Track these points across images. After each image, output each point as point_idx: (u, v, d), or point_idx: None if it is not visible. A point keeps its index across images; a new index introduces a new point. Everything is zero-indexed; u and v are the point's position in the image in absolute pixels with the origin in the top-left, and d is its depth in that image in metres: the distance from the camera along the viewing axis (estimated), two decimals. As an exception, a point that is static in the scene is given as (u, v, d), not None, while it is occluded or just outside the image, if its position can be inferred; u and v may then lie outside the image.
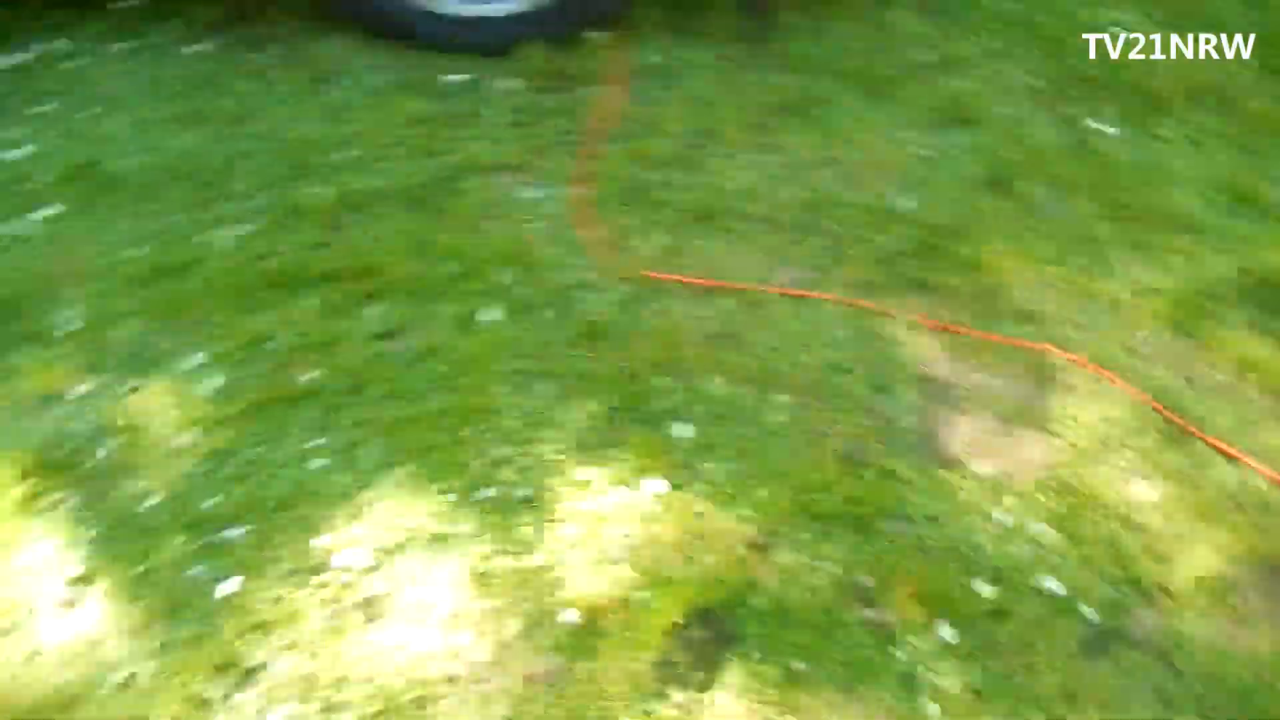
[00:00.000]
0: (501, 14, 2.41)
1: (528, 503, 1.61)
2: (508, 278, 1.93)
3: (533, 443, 1.68)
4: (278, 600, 1.50)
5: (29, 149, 2.32)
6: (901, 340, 1.84)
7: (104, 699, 1.41)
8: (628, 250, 1.98)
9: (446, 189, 2.12)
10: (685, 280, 1.91)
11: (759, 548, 1.56)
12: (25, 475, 1.67)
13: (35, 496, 1.65)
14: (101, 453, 1.71)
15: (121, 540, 1.58)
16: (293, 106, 2.37)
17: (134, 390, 1.81)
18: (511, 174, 2.16)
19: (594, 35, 2.41)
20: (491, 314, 1.88)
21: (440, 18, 2.42)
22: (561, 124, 2.26)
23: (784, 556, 1.54)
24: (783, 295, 1.89)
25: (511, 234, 2.01)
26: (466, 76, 2.41)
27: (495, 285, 1.92)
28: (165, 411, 1.76)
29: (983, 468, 1.67)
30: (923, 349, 1.83)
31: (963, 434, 1.72)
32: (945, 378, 1.80)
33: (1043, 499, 1.62)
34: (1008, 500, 1.62)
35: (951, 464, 1.67)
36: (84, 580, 1.54)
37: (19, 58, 2.57)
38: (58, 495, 1.65)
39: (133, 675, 1.43)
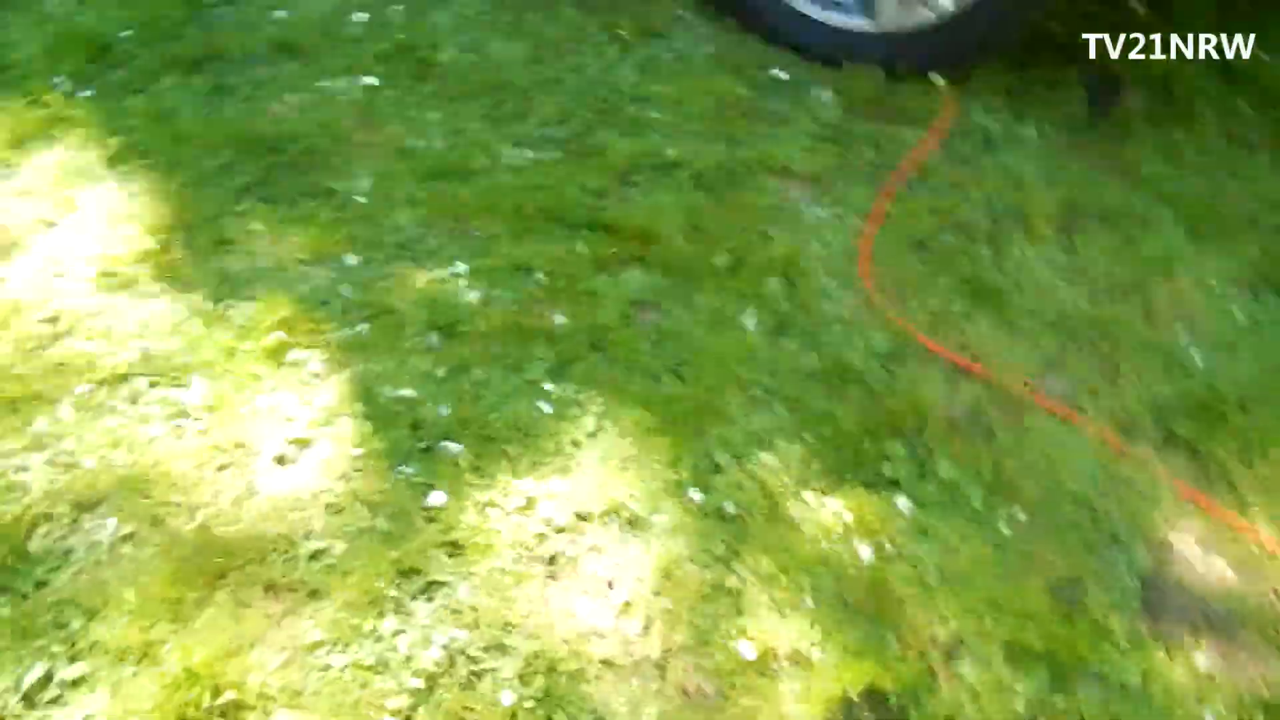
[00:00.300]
0: (852, 28, 2.35)
1: (732, 520, 1.57)
2: (774, 288, 1.89)
3: (752, 462, 1.64)
4: (474, 528, 1.52)
5: (367, 17, 2.41)
6: (1152, 496, 1.71)
7: (292, 562, 1.45)
8: (899, 303, 1.91)
9: (738, 181, 2.09)
10: (948, 354, 1.83)
11: (946, 652, 1.48)
12: (281, 325, 1.74)
13: (284, 348, 1.72)
14: (354, 328, 1.77)
15: (347, 416, 1.63)
16: (614, 52, 2.38)
17: (396, 277, 1.86)
18: (806, 187, 2.11)
19: (930, 77, 2.33)
20: (748, 319, 1.84)
21: (789, 11, 2.38)
22: (870, 154, 2.19)
23: (969, 670, 1.46)
24: (1041, 404, 1.79)
25: (790, 246, 1.96)
26: (788, 76, 2.36)
27: (759, 292, 1.88)
28: (418, 308, 1.81)
29: (1201, 659, 1.53)
30: (1172, 514, 1.69)
31: (1190, 617, 1.58)
32: (1188, 552, 1.66)
33: (1259, 716, 1.49)
34: (1218, 703, 1.49)
35: (1169, 643, 1.54)
36: (303, 443, 1.60)
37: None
38: (304, 354, 1.72)
39: (325, 549, 1.47)
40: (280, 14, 2.41)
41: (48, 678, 1.32)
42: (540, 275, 1.88)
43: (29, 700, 1.30)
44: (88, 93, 2.19)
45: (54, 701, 1.30)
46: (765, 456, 1.65)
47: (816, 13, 2.38)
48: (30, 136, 2.08)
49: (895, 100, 2.31)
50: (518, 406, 1.67)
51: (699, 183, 2.09)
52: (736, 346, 1.80)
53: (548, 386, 1.71)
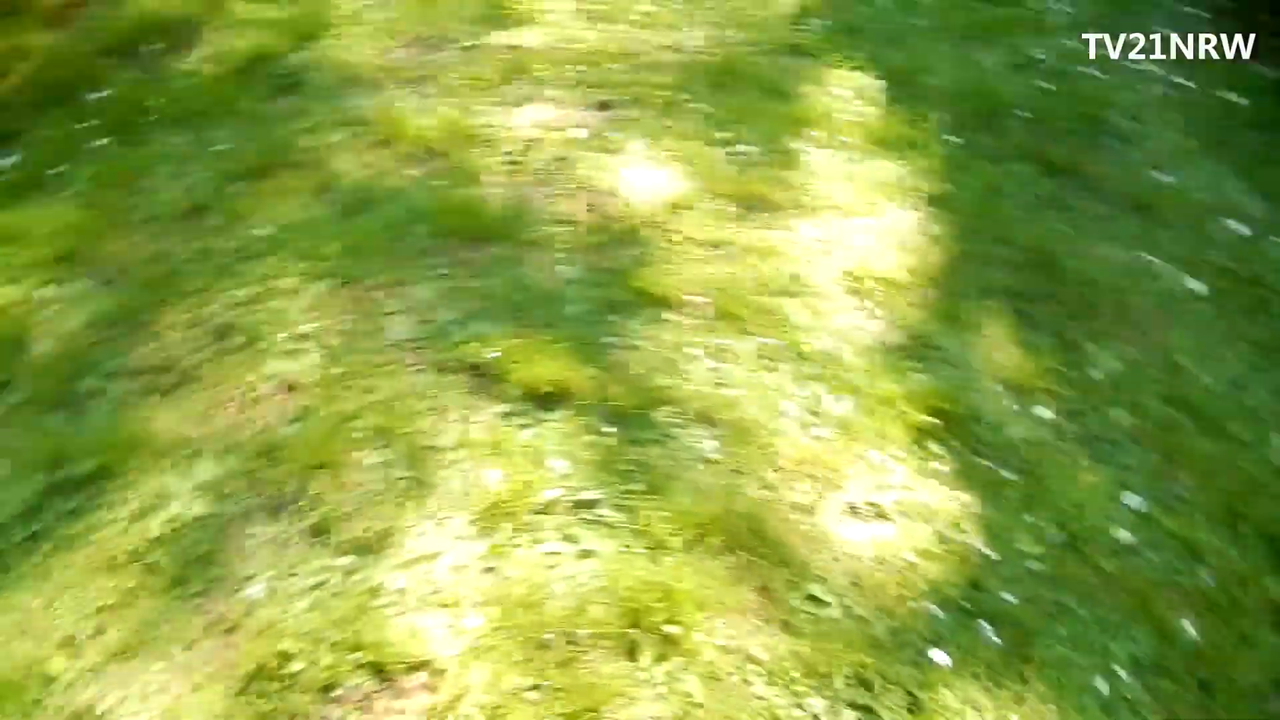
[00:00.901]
0: None
1: None
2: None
3: None
4: (946, 709, 1.50)
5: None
6: None
7: (793, 586, 1.62)
8: None
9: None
10: None
11: None
12: (941, 415, 1.87)
13: (930, 435, 1.85)
14: (996, 466, 1.81)
15: (927, 524, 1.71)
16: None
17: (1073, 460, 1.85)
18: None
19: None
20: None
21: None
22: None
23: None
24: None
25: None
26: None
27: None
28: (1074, 506, 1.79)
29: None
30: None
31: None
32: None
33: None
34: None
35: None
36: (880, 514, 1.72)
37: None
38: (940, 450, 1.84)
39: (817, 599, 1.59)
40: (1165, 178, 2.54)
41: (592, 504, 1.67)
42: (1058, 537, 1.74)
43: (578, 509, 1.66)
44: (954, 138, 2.56)
45: (588, 524, 1.65)
46: None
47: None
48: (883, 143, 2.52)
49: None
50: (1080, 663, 1.59)
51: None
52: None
53: (1123, 673, 1.60)
